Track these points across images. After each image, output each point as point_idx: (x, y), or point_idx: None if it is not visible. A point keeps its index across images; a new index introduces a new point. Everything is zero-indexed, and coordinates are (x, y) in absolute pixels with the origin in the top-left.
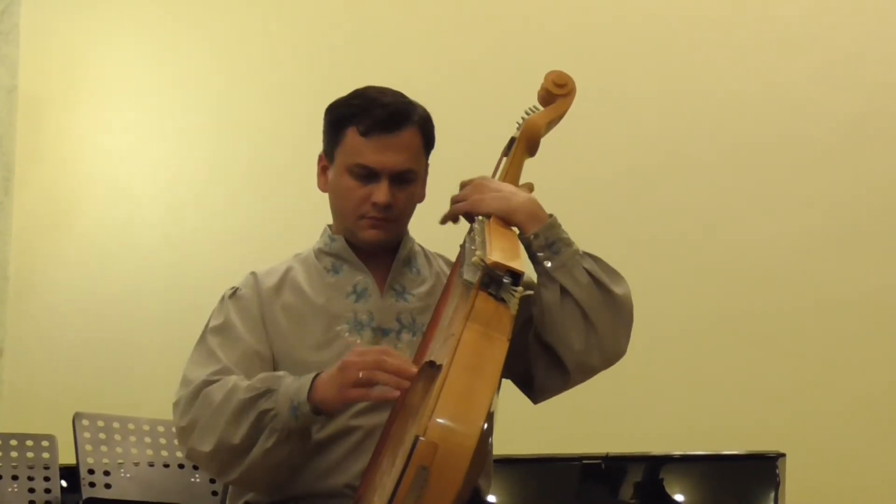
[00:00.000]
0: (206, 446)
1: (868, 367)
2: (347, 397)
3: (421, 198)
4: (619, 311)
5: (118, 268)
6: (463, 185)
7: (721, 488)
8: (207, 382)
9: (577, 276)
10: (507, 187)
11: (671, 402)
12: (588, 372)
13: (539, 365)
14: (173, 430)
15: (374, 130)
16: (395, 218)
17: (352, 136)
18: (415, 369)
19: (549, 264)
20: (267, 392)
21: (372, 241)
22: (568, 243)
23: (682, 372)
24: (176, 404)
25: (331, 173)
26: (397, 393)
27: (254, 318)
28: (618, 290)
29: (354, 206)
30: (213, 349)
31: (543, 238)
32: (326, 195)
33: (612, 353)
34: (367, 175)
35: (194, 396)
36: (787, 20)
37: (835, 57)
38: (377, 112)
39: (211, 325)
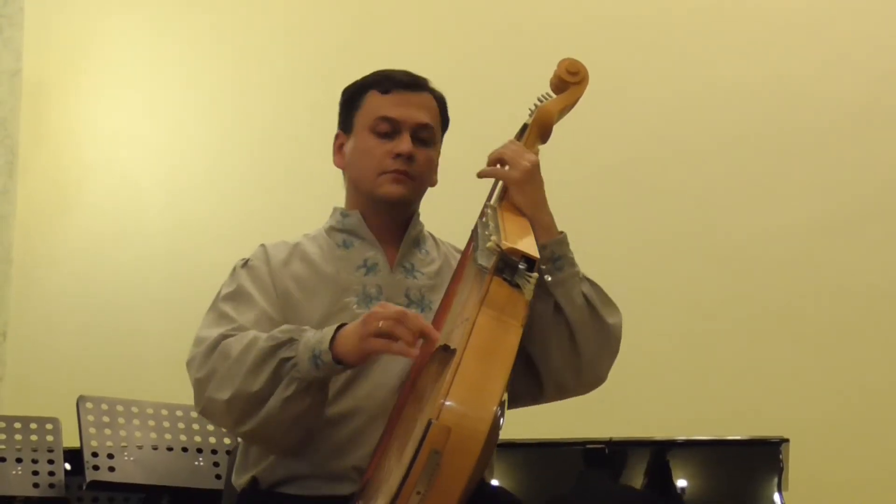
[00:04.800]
0: (224, 394)
1: (871, 354)
2: (367, 347)
3: (434, 180)
4: (606, 340)
5: (121, 252)
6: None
7: (724, 473)
8: (225, 336)
9: (573, 296)
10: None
11: (674, 387)
12: (562, 391)
13: (516, 373)
14: (192, 382)
15: (396, 88)
16: (415, 175)
17: (372, 98)
18: (438, 334)
19: (548, 278)
20: (289, 341)
21: (393, 197)
22: (571, 263)
23: (685, 358)
24: (191, 361)
25: (348, 145)
26: (416, 352)
27: (266, 286)
28: (610, 319)
29: (376, 163)
30: (226, 312)
31: (550, 251)
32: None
33: (590, 379)
34: (389, 130)
35: (211, 349)
36: (789, 10)
37: (836, 47)
38: (396, 75)
39: (223, 293)
